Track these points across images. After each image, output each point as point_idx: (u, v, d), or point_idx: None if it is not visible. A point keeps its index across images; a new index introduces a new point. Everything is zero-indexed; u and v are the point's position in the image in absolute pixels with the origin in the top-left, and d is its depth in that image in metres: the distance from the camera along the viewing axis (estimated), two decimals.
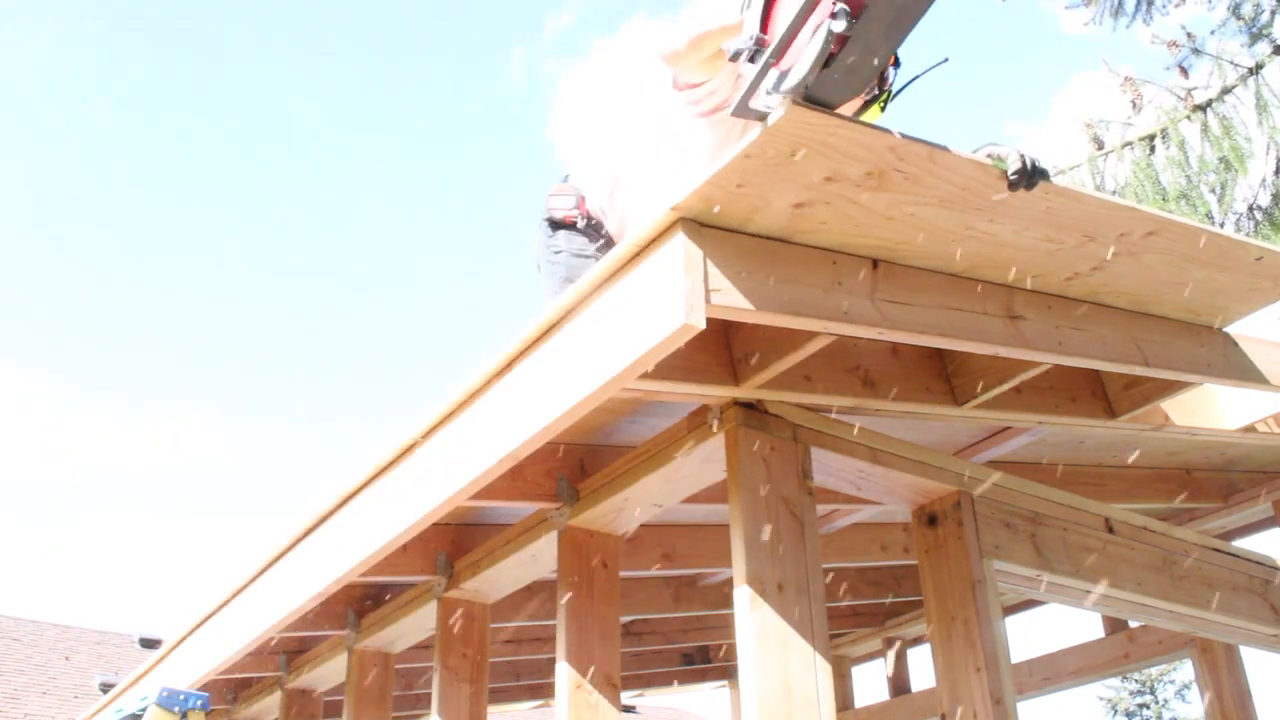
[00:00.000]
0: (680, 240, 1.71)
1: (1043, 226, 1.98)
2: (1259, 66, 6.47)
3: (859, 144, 1.65)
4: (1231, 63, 6.55)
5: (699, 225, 1.74)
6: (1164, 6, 7.19)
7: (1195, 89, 6.63)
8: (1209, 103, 6.53)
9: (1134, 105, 6.76)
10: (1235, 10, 6.68)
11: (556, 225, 2.90)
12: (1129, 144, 6.70)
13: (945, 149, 1.72)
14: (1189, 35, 6.86)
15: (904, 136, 1.67)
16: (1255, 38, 6.61)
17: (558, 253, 2.88)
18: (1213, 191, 6.45)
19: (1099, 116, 6.89)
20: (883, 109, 2.47)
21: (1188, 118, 6.56)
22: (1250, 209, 6.89)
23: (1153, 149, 6.64)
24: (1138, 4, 7.17)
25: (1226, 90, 6.50)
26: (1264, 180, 6.85)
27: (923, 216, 1.86)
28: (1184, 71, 6.75)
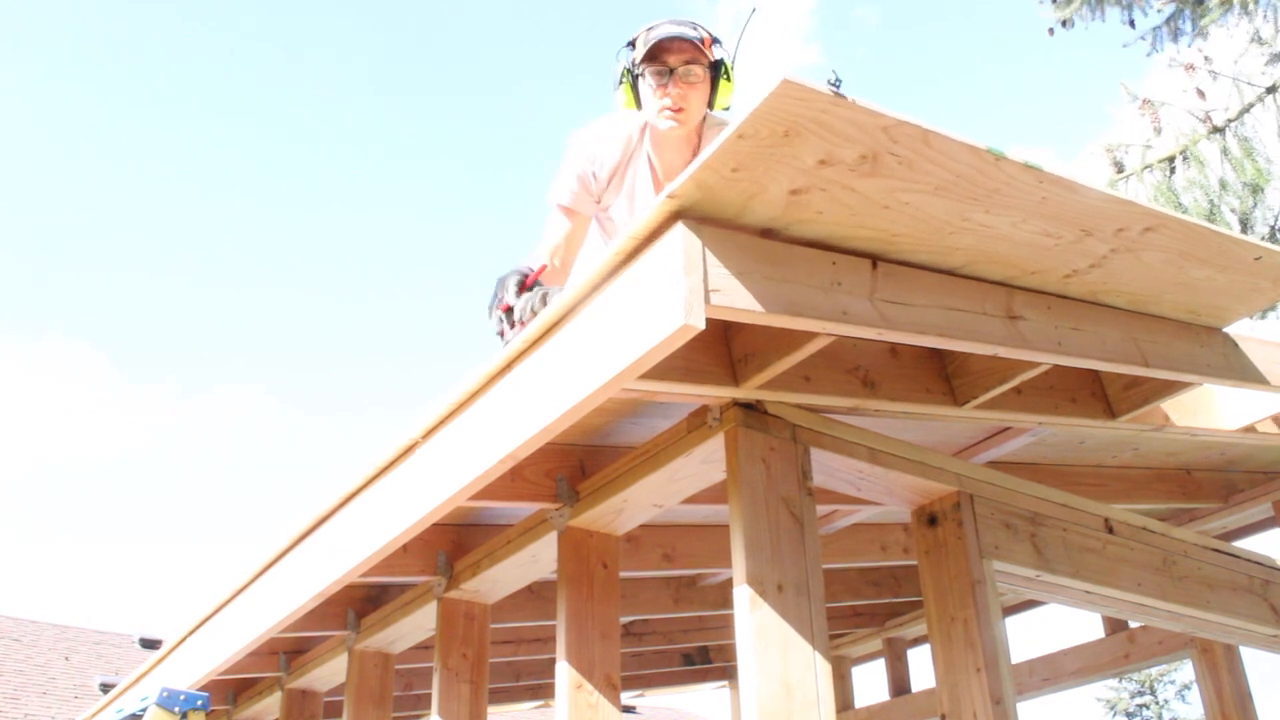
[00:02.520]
0: (679, 238, 1.70)
1: (1040, 219, 1.97)
2: (1277, 86, 6.46)
3: (852, 123, 1.62)
4: (1249, 83, 6.54)
5: (697, 223, 1.73)
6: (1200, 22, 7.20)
7: (1213, 110, 6.62)
8: (1228, 123, 6.52)
9: (1154, 129, 6.76)
10: (1256, 35, 6.69)
11: None
12: (1149, 166, 6.70)
13: (939, 132, 1.70)
14: (1206, 59, 6.85)
15: (897, 117, 1.64)
16: (1275, 59, 6.61)
17: None
18: (1233, 212, 6.44)
19: (1119, 140, 6.89)
20: (729, 79, 2.78)
21: (1207, 138, 6.55)
22: (1272, 230, 6.86)
23: (1173, 170, 6.63)
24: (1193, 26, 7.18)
25: (1246, 109, 6.49)
26: None
27: (919, 205, 1.84)
28: (1201, 94, 6.75)
